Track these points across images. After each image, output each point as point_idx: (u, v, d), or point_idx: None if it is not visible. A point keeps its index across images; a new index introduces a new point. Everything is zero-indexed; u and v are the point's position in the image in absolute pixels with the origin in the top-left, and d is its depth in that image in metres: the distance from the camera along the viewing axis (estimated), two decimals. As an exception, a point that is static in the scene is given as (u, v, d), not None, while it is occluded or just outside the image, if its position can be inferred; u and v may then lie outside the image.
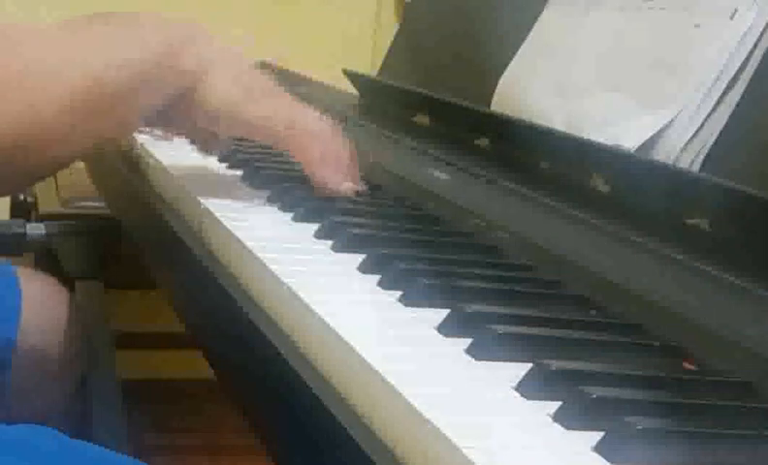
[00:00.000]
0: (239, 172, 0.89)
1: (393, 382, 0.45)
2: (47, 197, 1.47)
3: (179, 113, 0.76)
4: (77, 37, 0.73)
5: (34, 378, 0.88)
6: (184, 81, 0.73)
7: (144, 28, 0.75)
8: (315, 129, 0.76)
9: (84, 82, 0.69)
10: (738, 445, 0.44)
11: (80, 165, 1.25)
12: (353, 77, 1.29)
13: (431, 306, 0.56)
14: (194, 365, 0.97)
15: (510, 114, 0.95)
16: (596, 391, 0.45)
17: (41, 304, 0.91)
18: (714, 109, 0.77)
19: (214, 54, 0.75)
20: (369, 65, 1.69)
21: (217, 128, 0.80)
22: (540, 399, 0.46)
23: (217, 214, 0.72)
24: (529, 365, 0.48)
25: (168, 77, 0.73)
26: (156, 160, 0.89)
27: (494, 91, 1.01)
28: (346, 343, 0.50)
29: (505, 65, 1.00)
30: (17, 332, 0.86)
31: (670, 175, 0.74)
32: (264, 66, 1.43)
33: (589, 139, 0.83)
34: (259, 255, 0.63)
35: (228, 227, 0.69)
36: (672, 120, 0.79)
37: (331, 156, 0.76)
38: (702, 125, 0.78)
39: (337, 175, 0.77)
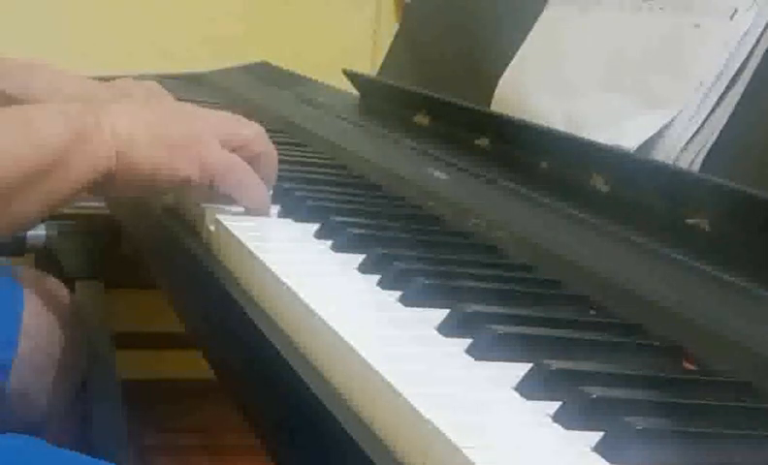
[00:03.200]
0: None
1: (393, 382, 0.45)
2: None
3: (113, 190, 0.74)
4: None
5: (34, 378, 0.88)
6: (99, 166, 0.71)
7: (46, 116, 0.71)
8: (227, 164, 0.74)
9: None
10: (738, 445, 0.44)
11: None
12: (353, 77, 1.29)
13: (431, 306, 0.56)
14: (194, 365, 0.97)
15: (510, 114, 0.95)
16: (596, 391, 0.45)
17: (41, 304, 0.91)
18: (714, 109, 0.77)
19: (128, 125, 0.72)
20: (369, 65, 1.69)
21: (148, 194, 0.81)
22: (540, 399, 0.46)
23: (218, 215, 0.72)
24: (529, 365, 0.48)
25: (81, 165, 0.70)
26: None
27: (494, 91, 1.01)
28: (346, 343, 0.50)
29: (505, 65, 1.00)
30: (18, 333, 0.86)
31: (670, 175, 0.74)
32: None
33: (589, 139, 0.83)
34: (259, 255, 0.63)
35: (228, 228, 0.69)
36: (672, 120, 0.79)
37: (251, 186, 0.75)
38: (702, 125, 0.78)
39: (262, 199, 0.76)
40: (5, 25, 1.65)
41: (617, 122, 0.83)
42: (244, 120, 0.78)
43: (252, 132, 0.77)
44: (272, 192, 0.77)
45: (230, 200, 0.75)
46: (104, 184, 0.72)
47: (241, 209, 0.75)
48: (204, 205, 0.75)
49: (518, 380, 0.47)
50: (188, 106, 0.82)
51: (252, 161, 0.75)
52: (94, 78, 0.99)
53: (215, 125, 0.76)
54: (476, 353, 0.51)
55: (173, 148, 0.73)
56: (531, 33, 1.00)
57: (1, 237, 0.71)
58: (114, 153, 0.71)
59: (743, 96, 0.76)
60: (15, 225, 0.71)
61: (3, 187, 0.66)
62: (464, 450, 0.40)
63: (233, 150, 0.75)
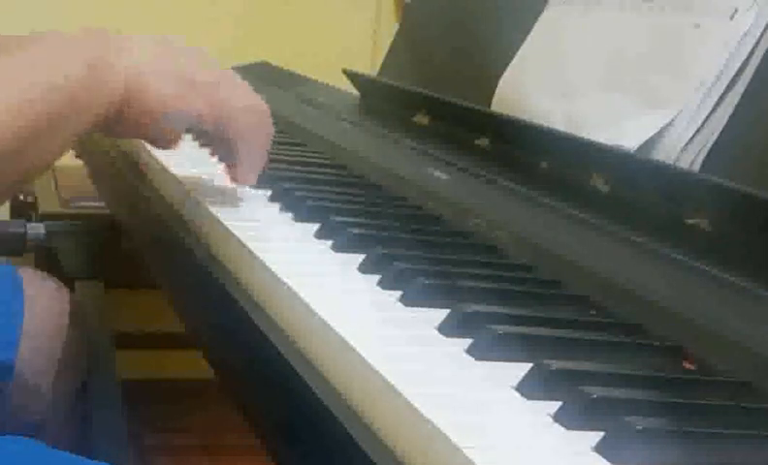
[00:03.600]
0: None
1: (393, 381, 0.45)
2: (47, 197, 1.47)
3: (120, 126, 0.72)
4: None
5: (35, 378, 0.88)
6: (113, 98, 0.69)
7: (57, 51, 0.69)
8: (242, 107, 0.74)
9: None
10: (738, 445, 0.45)
11: (80, 164, 1.25)
12: (353, 77, 1.29)
13: (431, 306, 0.56)
14: (194, 365, 0.97)
15: (510, 114, 0.95)
16: (596, 391, 0.45)
17: (41, 304, 0.91)
18: (714, 109, 0.77)
19: (138, 57, 0.70)
20: (369, 65, 1.69)
21: (159, 128, 0.77)
22: (540, 399, 0.46)
23: (218, 215, 0.72)
24: (529, 365, 0.48)
25: (94, 100, 0.68)
26: (159, 162, 0.89)
27: (494, 91, 1.01)
28: (346, 343, 0.50)
29: (505, 65, 1.00)
30: (18, 333, 0.86)
31: (670, 175, 0.74)
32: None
33: (589, 139, 0.83)
34: (259, 255, 0.63)
35: (228, 227, 0.69)
36: (672, 120, 0.79)
37: (255, 154, 0.76)
38: (702, 125, 0.78)
39: (253, 173, 0.76)
40: (5, 25, 1.65)
41: (617, 122, 0.83)
42: (249, 87, 0.77)
43: (257, 102, 0.76)
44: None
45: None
46: (114, 118, 0.70)
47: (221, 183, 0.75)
48: (203, 205, 0.75)
49: (518, 380, 0.47)
50: (207, 53, 0.78)
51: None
52: None
53: (229, 75, 0.75)
54: (476, 353, 0.51)
55: (182, 81, 0.71)
56: (531, 33, 1.00)
57: (15, 184, 0.70)
58: (126, 86, 0.69)
59: (743, 96, 0.76)
60: (31, 170, 0.69)
61: (15, 137, 0.64)
62: (464, 450, 0.40)
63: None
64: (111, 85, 0.68)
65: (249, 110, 0.75)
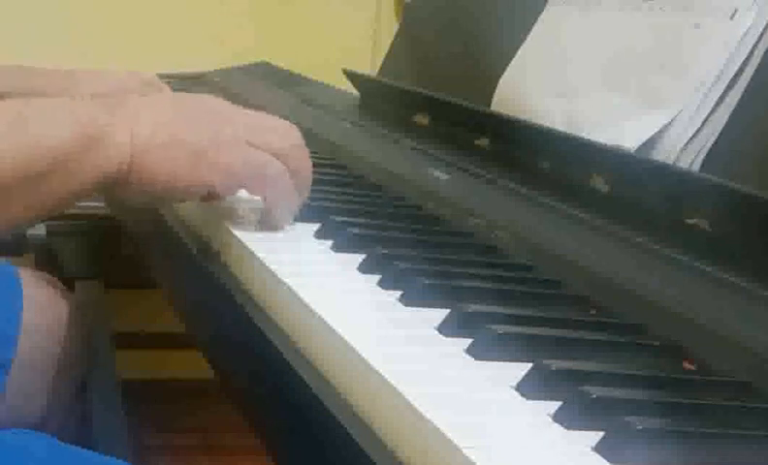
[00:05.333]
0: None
1: (393, 381, 0.45)
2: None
3: (122, 194, 0.69)
4: None
5: (34, 378, 0.88)
6: (110, 170, 0.66)
7: (55, 113, 0.67)
8: (255, 167, 0.69)
9: None
10: (738, 444, 0.45)
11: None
12: (353, 77, 1.29)
13: (431, 306, 0.56)
14: (194, 365, 0.97)
15: (510, 114, 0.95)
16: (596, 391, 0.45)
17: (41, 304, 0.91)
18: (714, 109, 0.77)
19: (148, 130, 0.67)
20: (369, 65, 1.69)
21: (165, 201, 0.77)
22: (540, 399, 0.46)
23: (217, 214, 0.72)
24: (529, 365, 0.48)
25: (87, 169, 0.66)
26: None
27: (494, 91, 1.01)
28: (346, 343, 0.50)
29: (505, 65, 1.00)
30: (18, 332, 0.86)
31: (670, 175, 0.74)
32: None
33: (589, 139, 0.83)
34: (259, 255, 0.63)
35: (228, 227, 0.69)
36: (672, 120, 0.79)
37: (284, 200, 0.71)
38: (702, 125, 0.78)
39: (288, 214, 0.72)
40: (5, 25, 1.65)
41: (617, 122, 0.83)
42: (281, 127, 0.72)
43: (286, 143, 0.70)
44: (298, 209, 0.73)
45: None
46: (115, 188, 0.68)
47: (255, 201, 0.71)
48: (203, 206, 0.75)
49: (518, 380, 0.47)
50: (218, 103, 0.74)
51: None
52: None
53: (245, 128, 0.70)
54: (476, 352, 0.51)
55: (194, 154, 0.67)
56: (531, 33, 1.00)
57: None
58: (129, 156, 0.67)
59: (743, 96, 0.76)
60: (10, 224, 0.68)
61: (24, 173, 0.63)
62: (464, 450, 0.40)
63: None
64: (107, 157, 0.66)
65: (268, 163, 0.69)
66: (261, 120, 0.72)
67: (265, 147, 0.69)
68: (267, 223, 0.71)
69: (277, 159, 0.69)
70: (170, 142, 0.67)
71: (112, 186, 0.68)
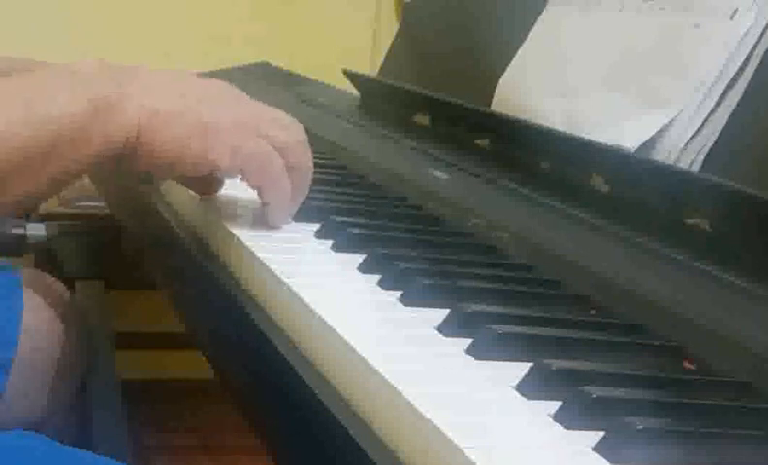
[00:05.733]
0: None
1: (393, 382, 0.45)
2: (47, 197, 1.47)
3: (129, 165, 0.68)
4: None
5: (34, 378, 0.88)
6: (117, 139, 0.65)
7: (58, 84, 0.66)
8: (262, 157, 0.68)
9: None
10: (738, 444, 0.45)
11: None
12: (353, 77, 1.29)
13: (431, 306, 0.56)
14: (194, 365, 0.97)
15: (510, 114, 0.95)
16: (596, 391, 0.45)
17: (41, 304, 0.91)
18: (714, 109, 0.77)
19: (155, 98, 0.66)
20: (369, 65, 1.69)
21: (170, 175, 0.75)
22: (540, 399, 0.46)
23: (218, 214, 0.72)
24: (529, 365, 0.48)
25: (94, 139, 0.65)
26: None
27: (494, 91, 1.01)
28: (347, 343, 0.50)
29: (505, 65, 1.01)
30: (18, 332, 0.86)
31: (670, 175, 0.74)
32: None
33: (589, 139, 0.83)
34: (259, 255, 0.63)
35: (228, 227, 0.69)
36: (672, 120, 0.79)
37: (281, 197, 0.70)
38: (702, 125, 0.78)
39: (283, 212, 0.71)
40: (5, 25, 1.65)
41: (617, 122, 0.83)
42: (286, 120, 0.71)
43: (291, 139, 0.70)
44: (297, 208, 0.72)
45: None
46: (122, 160, 0.67)
47: (253, 199, 0.71)
48: (203, 204, 0.75)
49: (518, 380, 0.47)
50: (228, 86, 0.73)
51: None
52: None
53: (255, 117, 0.69)
54: (476, 353, 0.51)
55: (208, 130, 0.66)
56: (531, 33, 1.00)
57: (5, 212, 0.67)
58: (137, 128, 0.65)
59: (743, 96, 0.76)
60: (20, 201, 0.66)
61: (29, 147, 0.62)
62: (464, 450, 0.40)
63: None
64: (116, 127, 0.65)
65: (272, 157, 0.68)
66: (270, 112, 0.71)
67: (270, 139, 0.68)
68: (263, 219, 0.71)
69: (279, 153, 0.69)
70: (185, 113, 0.66)
71: (120, 158, 0.66)
